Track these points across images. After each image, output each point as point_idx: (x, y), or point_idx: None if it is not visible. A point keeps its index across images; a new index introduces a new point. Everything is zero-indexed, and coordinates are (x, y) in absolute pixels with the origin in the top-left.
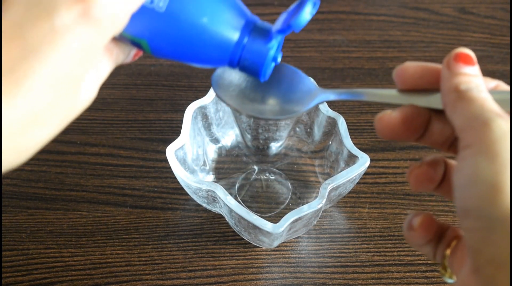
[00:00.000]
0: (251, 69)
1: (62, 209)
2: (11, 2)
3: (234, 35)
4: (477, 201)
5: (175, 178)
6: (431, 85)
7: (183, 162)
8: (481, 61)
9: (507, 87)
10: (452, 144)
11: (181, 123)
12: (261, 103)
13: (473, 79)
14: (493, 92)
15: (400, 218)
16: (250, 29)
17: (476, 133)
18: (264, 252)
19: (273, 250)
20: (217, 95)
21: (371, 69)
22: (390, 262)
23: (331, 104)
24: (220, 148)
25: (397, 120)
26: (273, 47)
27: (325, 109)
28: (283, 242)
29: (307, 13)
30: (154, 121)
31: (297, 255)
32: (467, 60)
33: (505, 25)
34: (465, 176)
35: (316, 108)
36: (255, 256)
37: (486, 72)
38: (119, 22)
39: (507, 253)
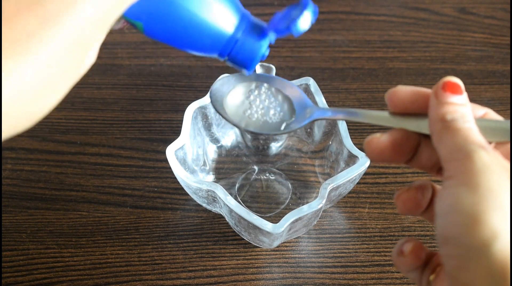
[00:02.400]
0: (240, 63)
1: (62, 209)
2: None
3: (229, 29)
4: (456, 230)
5: (175, 178)
6: (421, 110)
7: (183, 162)
8: (481, 61)
9: (496, 116)
10: (440, 169)
11: (181, 123)
12: (257, 118)
13: (459, 109)
14: (481, 120)
15: (400, 218)
16: (245, 24)
17: (459, 164)
18: (264, 252)
19: (273, 250)
20: (215, 108)
21: (371, 69)
22: (390, 262)
23: (332, 104)
24: (220, 148)
25: (386, 144)
26: (265, 45)
27: None
28: (283, 242)
29: (307, 19)
30: (154, 121)
31: (297, 255)
32: (454, 89)
33: (505, 25)
34: (446, 205)
35: None
36: (255, 256)
37: (486, 72)
38: None
39: (482, 281)
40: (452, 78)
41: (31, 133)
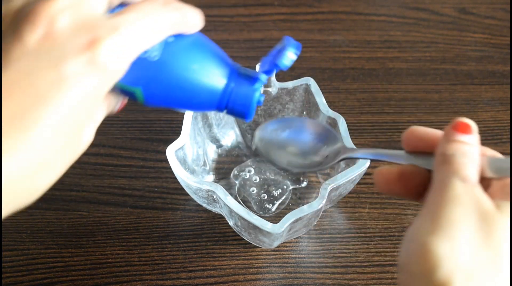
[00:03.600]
0: (238, 111)
1: (62, 209)
2: (21, 52)
3: (222, 81)
4: (408, 258)
5: (175, 178)
6: (431, 149)
7: (183, 162)
8: (481, 61)
9: (500, 156)
10: None
11: (182, 123)
12: (294, 156)
13: (463, 147)
14: (491, 158)
15: (400, 218)
16: (235, 75)
17: (434, 194)
18: (264, 252)
19: (273, 251)
20: (259, 152)
21: (372, 69)
22: (391, 262)
23: (332, 104)
24: (220, 148)
25: (394, 175)
26: (258, 89)
27: (325, 109)
28: (283, 243)
29: (291, 54)
30: (154, 121)
31: (297, 256)
32: (464, 129)
33: (505, 26)
34: (409, 232)
35: (316, 108)
36: (255, 256)
37: (487, 73)
38: (122, 68)
39: None
40: (464, 119)
41: None
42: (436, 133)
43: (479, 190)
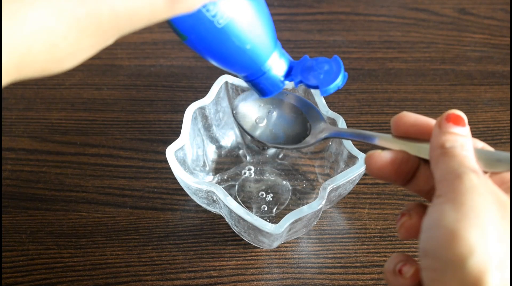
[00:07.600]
0: (259, 90)
1: (62, 209)
2: None
3: (263, 63)
4: (436, 243)
5: (175, 178)
6: (421, 136)
7: (183, 162)
8: (481, 61)
9: (491, 149)
10: None
11: (181, 124)
12: (273, 131)
13: (459, 139)
14: (480, 151)
15: None
16: (275, 60)
17: (449, 184)
18: (264, 253)
19: (273, 251)
20: (237, 122)
21: (371, 69)
22: None
23: (331, 105)
24: (220, 148)
25: (386, 161)
26: (286, 83)
27: (325, 109)
28: (283, 243)
29: (337, 84)
30: (154, 122)
31: (297, 256)
32: (457, 121)
33: (505, 26)
34: (431, 220)
35: None
36: (255, 257)
37: (486, 73)
38: (184, 10)
39: None
40: (456, 110)
41: (31, 134)
42: (428, 120)
43: (491, 182)
